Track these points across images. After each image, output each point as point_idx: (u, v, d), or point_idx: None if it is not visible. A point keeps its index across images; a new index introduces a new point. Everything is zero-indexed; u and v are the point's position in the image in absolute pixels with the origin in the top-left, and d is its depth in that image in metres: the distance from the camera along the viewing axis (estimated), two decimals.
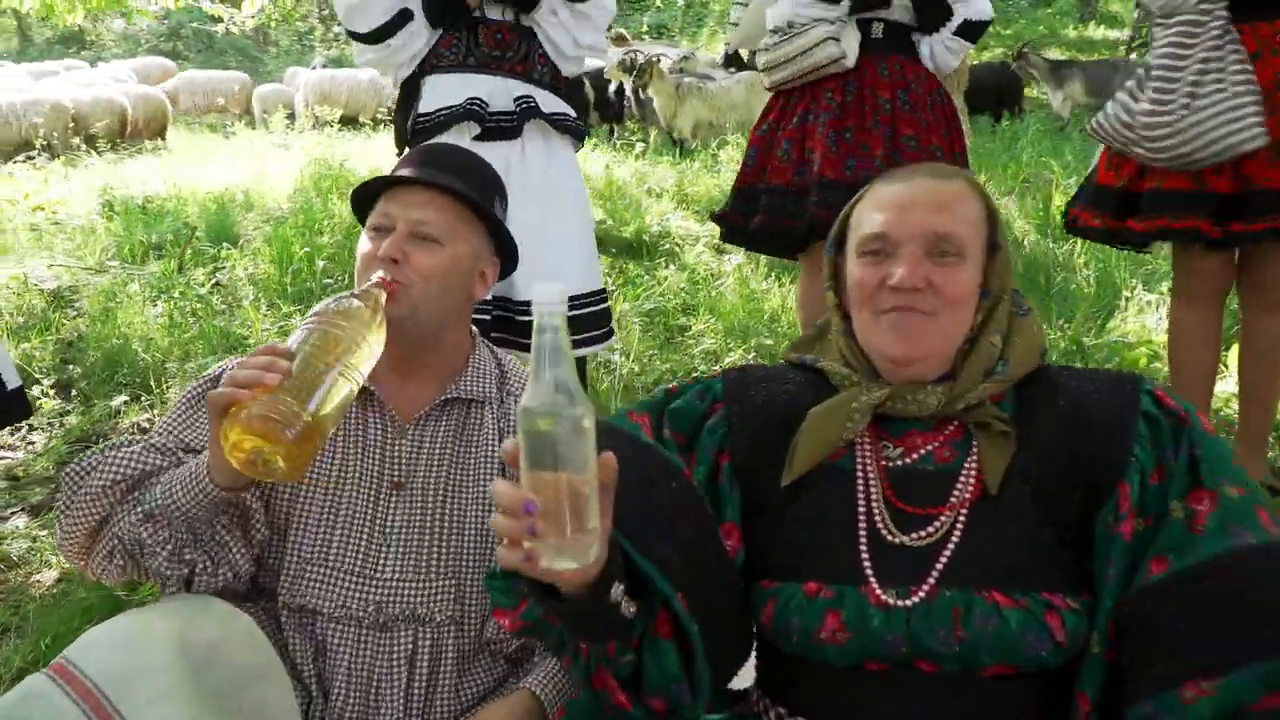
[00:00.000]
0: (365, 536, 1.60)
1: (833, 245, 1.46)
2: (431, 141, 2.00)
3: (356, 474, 1.62)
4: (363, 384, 1.56)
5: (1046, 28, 20.40)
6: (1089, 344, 4.04)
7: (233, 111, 16.23)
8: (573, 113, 3.05)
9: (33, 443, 3.76)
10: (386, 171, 1.84)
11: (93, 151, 10.99)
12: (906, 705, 1.21)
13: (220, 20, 15.20)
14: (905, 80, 3.35)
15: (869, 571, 1.24)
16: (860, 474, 1.32)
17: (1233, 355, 3.26)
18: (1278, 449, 3.19)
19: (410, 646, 1.58)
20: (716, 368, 4.19)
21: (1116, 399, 1.27)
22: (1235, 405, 3.10)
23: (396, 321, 1.53)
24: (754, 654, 1.41)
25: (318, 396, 1.31)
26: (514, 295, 2.84)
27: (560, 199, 2.89)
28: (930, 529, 1.25)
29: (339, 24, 2.97)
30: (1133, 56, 13.34)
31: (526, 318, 2.82)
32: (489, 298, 2.74)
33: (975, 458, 1.28)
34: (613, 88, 11.09)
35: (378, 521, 1.61)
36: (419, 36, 2.87)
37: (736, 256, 5.50)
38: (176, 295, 5.05)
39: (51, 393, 4.07)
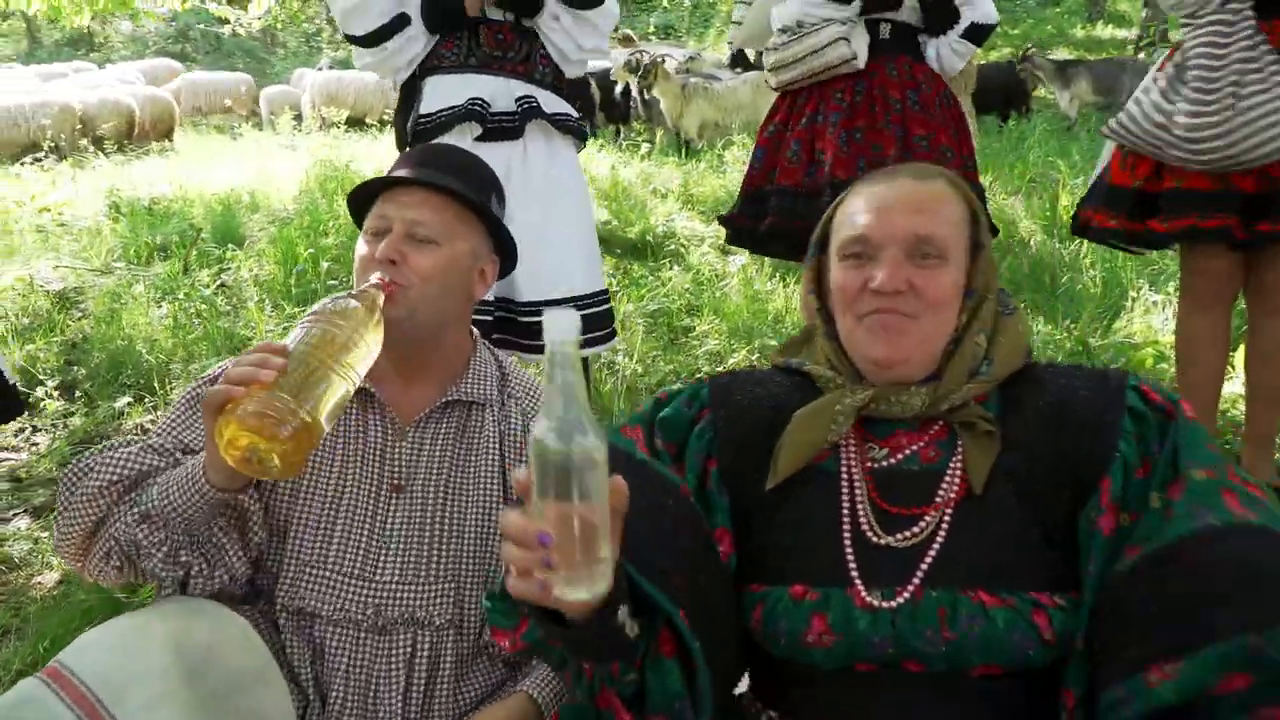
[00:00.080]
0: (365, 539, 1.59)
1: (815, 248, 1.46)
2: (426, 143, 2.00)
3: (356, 476, 1.61)
4: (363, 385, 1.56)
5: (1054, 27, 20.35)
6: (1095, 344, 4.02)
7: (238, 113, 16.26)
8: (575, 113, 3.05)
9: (36, 444, 3.77)
10: None
11: (100, 153, 11.02)
12: (894, 706, 1.20)
13: (227, 22, 15.24)
14: (915, 80, 3.35)
15: (854, 573, 1.24)
16: (845, 476, 1.32)
17: (1239, 356, 3.23)
18: None
19: (409, 650, 1.57)
20: (720, 369, 4.18)
21: (1102, 396, 1.27)
22: (1242, 406, 3.08)
23: (396, 323, 1.52)
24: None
25: (314, 394, 1.30)
26: (516, 296, 2.83)
27: (562, 199, 2.88)
28: (915, 529, 1.25)
29: None
30: (1141, 56, 13.29)
31: (528, 318, 2.82)
32: (491, 299, 2.74)
33: (960, 458, 1.27)
34: (619, 88, 11.08)
35: (377, 524, 1.60)
36: (416, 41, 2.86)
37: (741, 257, 5.48)
38: (181, 296, 5.06)
39: (55, 394, 4.07)
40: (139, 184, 8.01)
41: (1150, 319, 4.27)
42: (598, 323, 2.98)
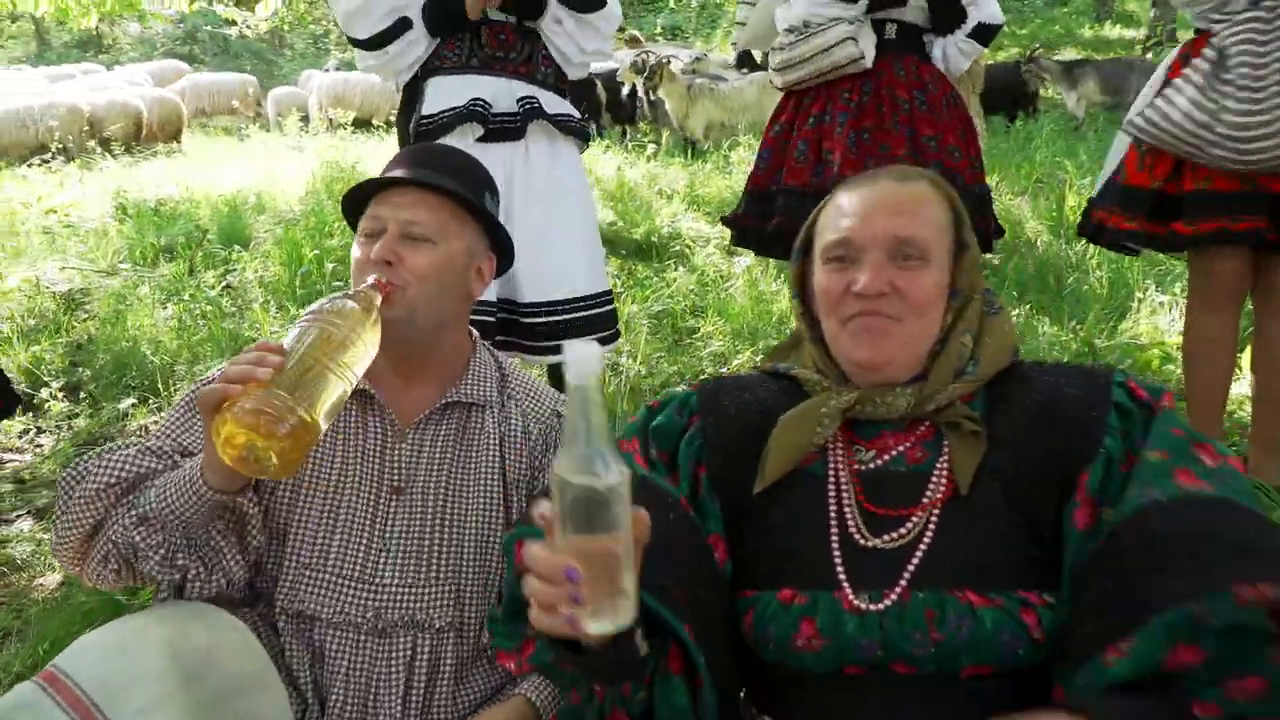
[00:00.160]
0: (364, 542, 1.59)
1: (799, 253, 1.46)
2: (417, 144, 2.00)
3: (356, 478, 1.61)
4: (362, 387, 1.56)
5: (1062, 27, 20.31)
6: (1101, 345, 4.00)
7: (245, 114, 16.30)
8: (577, 113, 3.04)
9: (40, 445, 3.77)
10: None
11: (108, 154, 11.05)
12: (884, 708, 1.21)
13: (234, 24, 15.28)
14: (922, 80, 3.34)
15: (841, 576, 1.24)
16: (832, 479, 1.32)
17: (1245, 358, 3.21)
18: None
19: (409, 653, 1.57)
20: (724, 370, 4.17)
21: (1088, 393, 1.27)
22: (1249, 408, 3.06)
23: (395, 324, 1.52)
24: None
25: (311, 393, 1.30)
26: (519, 297, 2.83)
27: (564, 200, 2.88)
28: (902, 530, 1.25)
29: None
30: (1148, 56, 13.24)
31: (531, 319, 2.82)
32: (493, 300, 2.73)
33: (947, 458, 1.27)
34: (625, 89, 11.08)
35: (377, 526, 1.59)
36: (418, 44, 2.86)
37: (746, 258, 5.47)
38: (186, 298, 5.07)
39: (60, 395, 4.08)
40: (146, 185, 8.04)
41: (1156, 320, 4.25)
42: (601, 323, 2.97)
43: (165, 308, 5.00)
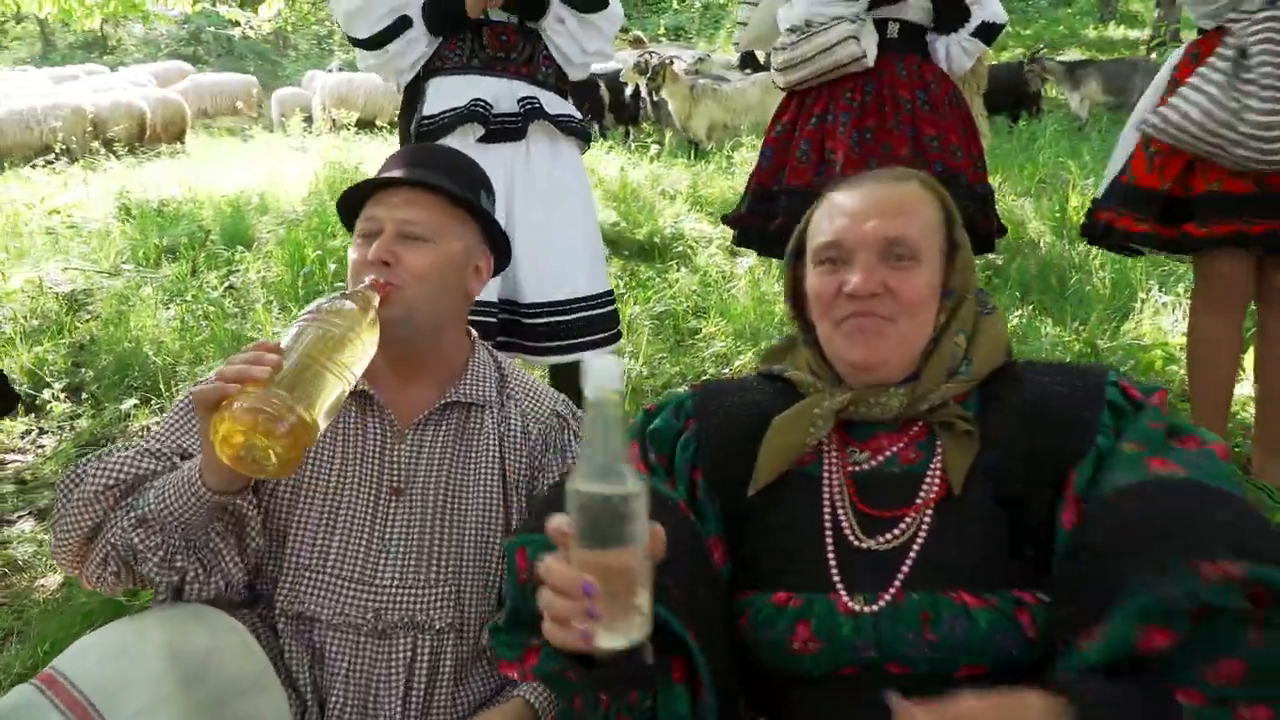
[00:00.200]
0: (364, 543, 1.58)
1: (792, 256, 1.47)
2: (412, 145, 2.00)
3: (355, 479, 1.60)
4: (361, 387, 1.56)
5: (1066, 28, 20.29)
6: (1104, 346, 3.99)
7: (248, 114, 16.31)
8: (578, 114, 3.04)
9: (42, 446, 3.77)
10: None
11: (111, 155, 11.07)
12: (878, 709, 1.19)
13: (238, 24, 15.29)
14: (924, 80, 3.33)
15: (836, 578, 1.24)
16: (826, 480, 1.32)
17: (1247, 359, 3.20)
18: None
19: (409, 654, 1.56)
20: (726, 371, 4.17)
21: (1081, 392, 1.27)
22: (1252, 409, 3.05)
23: (393, 324, 1.52)
24: None
25: (309, 391, 1.30)
26: (520, 298, 2.82)
27: (565, 200, 2.87)
28: (895, 532, 1.25)
29: None
30: (1153, 56, 13.21)
31: (532, 320, 2.81)
32: (495, 300, 2.73)
33: (940, 458, 1.27)
34: (629, 90, 11.08)
35: (377, 527, 1.59)
36: (418, 43, 2.86)
37: (749, 259, 5.47)
38: (189, 298, 5.07)
39: (62, 396, 4.08)
40: (149, 186, 8.05)
41: (1159, 320, 4.24)
42: (602, 324, 2.96)
43: (168, 308, 5.00)
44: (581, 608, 0.94)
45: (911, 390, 1.30)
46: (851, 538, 1.26)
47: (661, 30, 23.25)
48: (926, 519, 1.24)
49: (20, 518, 3.19)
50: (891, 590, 1.21)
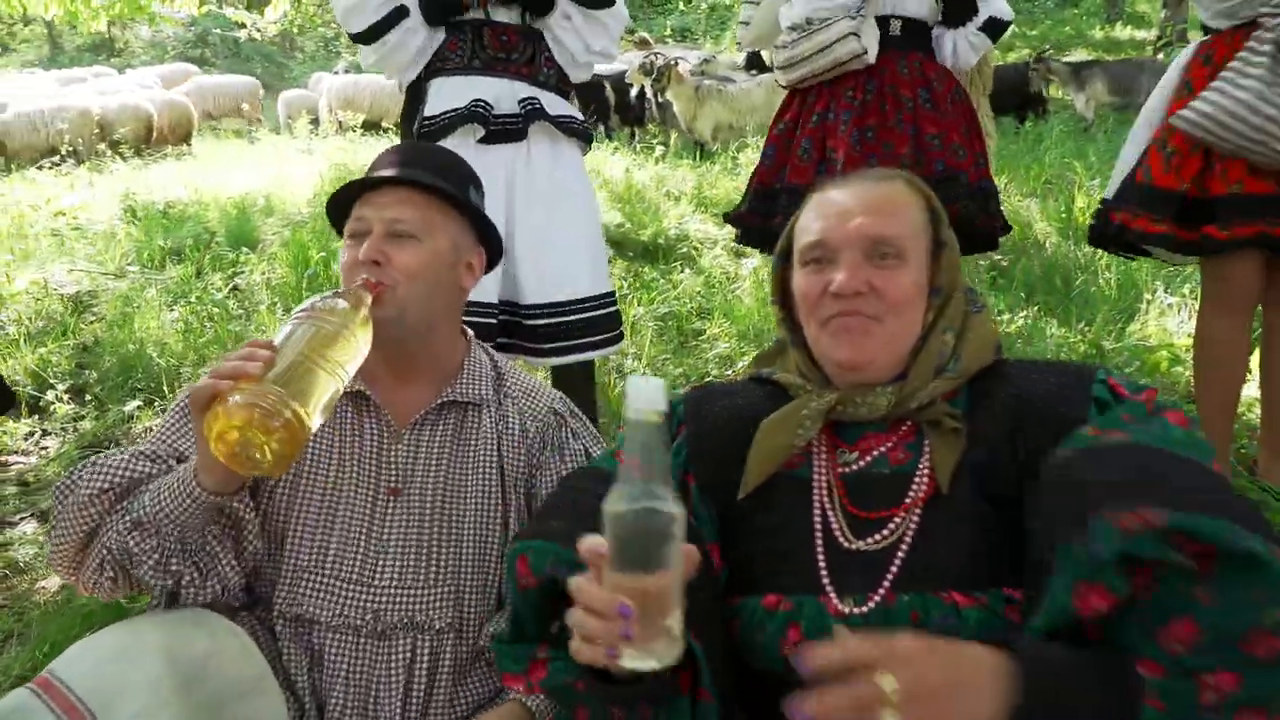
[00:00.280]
0: (362, 543, 1.58)
1: (779, 258, 1.46)
2: (399, 144, 2.00)
3: (353, 480, 1.60)
4: (357, 388, 1.55)
5: (1073, 28, 20.25)
6: (1109, 347, 3.97)
7: (253, 116, 16.33)
8: (579, 115, 3.03)
9: (45, 448, 3.78)
10: None
11: (118, 157, 11.09)
12: None
13: (244, 26, 15.31)
14: (926, 78, 3.32)
15: (826, 581, 1.24)
16: (816, 482, 1.31)
17: (1254, 360, 3.18)
18: None
19: (409, 655, 1.56)
20: (729, 372, 4.16)
21: (1069, 390, 1.26)
22: (1258, 410, 3.03)
23: (385, 323, 1.52)
24: None
25: (302, 388, 1.30)
26: (521, 299, 2.82)
27: (566, 201, 2.87)
28: (884, 532, 1.24)
29: None
30: (1159, 56, 13.18)
31: (533, 321, 2.80)
32: (495, 301, 2.72)
33: (928, 457, 1.26)
34: (634, 91, 11.09)
35: (375, 528, 1.59)
36: (415, 34, 2.85)
37: (753, 260, 5.47)
38: (193, 300, 5.08)
39: (66, 398, 4.08)
40: (155, 188, 8.07)
41: (1165, 321, 4.22)
42: (604, 325, 2.95)
43: (172, 310, 5.01)
44: (616, 629, 0.94)
45: (899, 389, 1.29)
46: (841, 539, 1.26)
47: (667, 31, 23.24)
48: (915, 519, 1.23)
49: (22, 519, 3.19)
50: (881, 591, 1.20)
